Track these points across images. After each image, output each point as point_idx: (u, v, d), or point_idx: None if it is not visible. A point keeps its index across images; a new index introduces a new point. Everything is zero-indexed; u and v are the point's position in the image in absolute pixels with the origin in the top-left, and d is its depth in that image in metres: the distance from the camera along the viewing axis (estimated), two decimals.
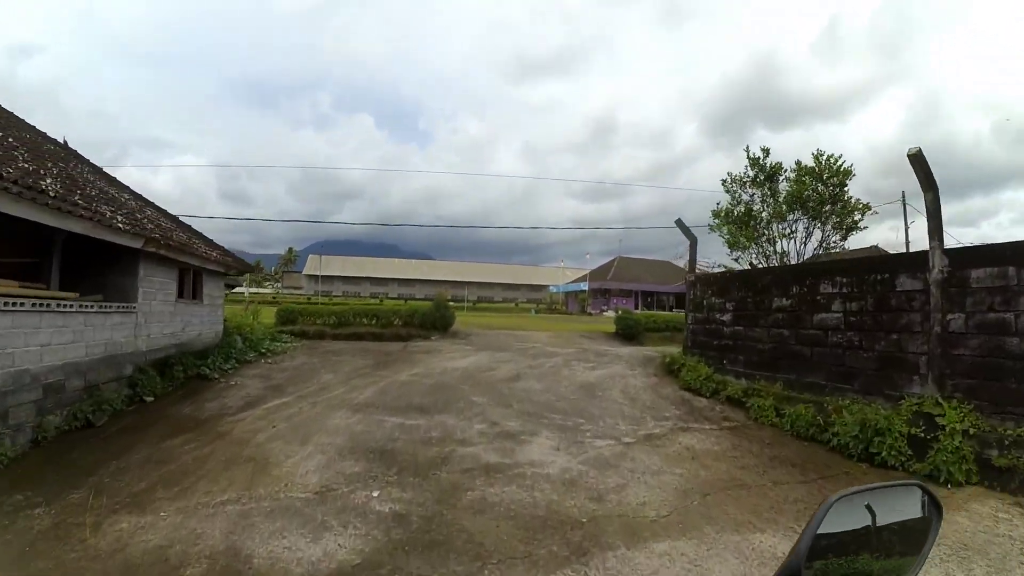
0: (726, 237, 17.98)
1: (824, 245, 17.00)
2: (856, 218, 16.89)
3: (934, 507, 1.52)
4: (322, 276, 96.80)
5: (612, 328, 25.06)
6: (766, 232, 17.25)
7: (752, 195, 17.75)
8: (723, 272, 16.20)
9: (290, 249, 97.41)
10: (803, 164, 16.99)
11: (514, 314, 60.12)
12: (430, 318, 20.57)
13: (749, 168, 17.77)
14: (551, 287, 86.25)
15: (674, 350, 15.48)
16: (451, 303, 76.22)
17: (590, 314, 65.97)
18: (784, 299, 10.81)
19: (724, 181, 18.05)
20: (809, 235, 17.04)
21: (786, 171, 17.35)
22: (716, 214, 18.38)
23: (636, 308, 70.53)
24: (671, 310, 72.84)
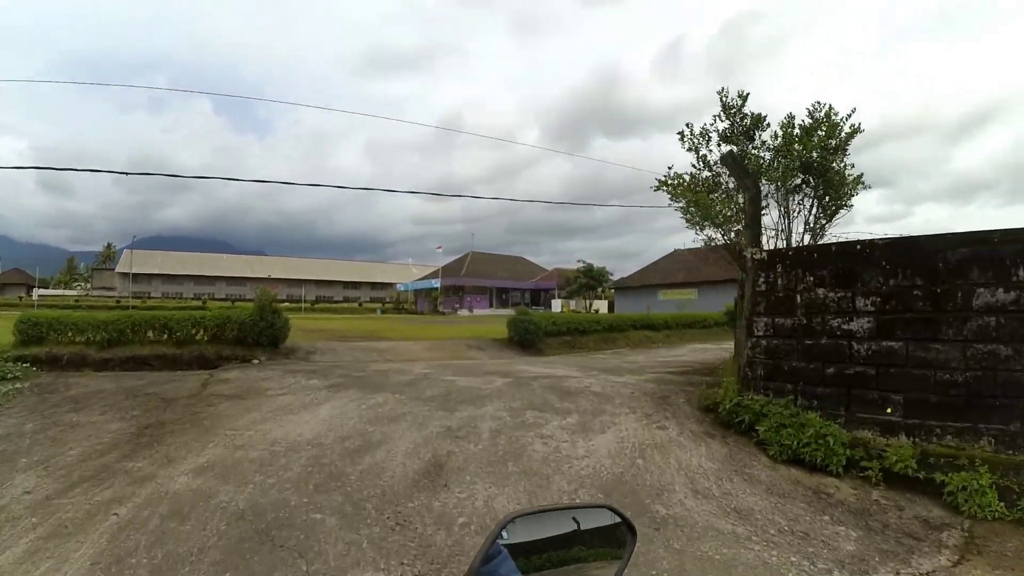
0: (690, 211, 12.84)
1: (814, 226, 12.52)
2: (849, 194, 12.67)
3: (627, 527, 1.53)
4: (139, 275, 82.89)
5: (499, 332, 19.61)
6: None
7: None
8: (847, 244, 9.23)
9: (109, 245, 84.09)
10: (795, 119, 12.47)
11: (359, 316, 53.07)
12: (251, 329, 13.17)
13: (722, 116, 12.93)
14: (399, 285, 78.49)
15: (626, 360, 10.20)
16: (285, 304, 66.82)
17: (443, 313, 60.03)
18: (1005, 289, 5.54)
19: (683, 134, 13.08)
20: (812, 210, 12.28)
21: (768, 124, 12.84)
22: (669, 181, 12.98)
23: (490, 306, 65.69)
24: (530, 307, 69.39)
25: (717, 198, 12.56)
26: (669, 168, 13.93)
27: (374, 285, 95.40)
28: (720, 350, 18.69)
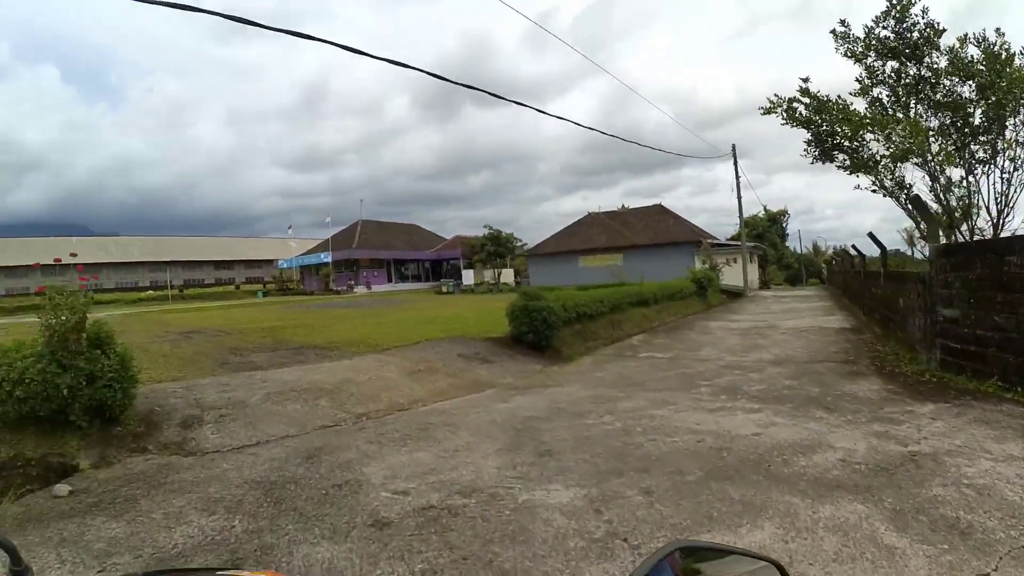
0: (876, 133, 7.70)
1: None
2: None
3: None
4: None
5: (464, 321, 13.90)
6: None
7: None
8: None
9: None
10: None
11: (239, 302, 43.59)
12: (45, 392, 5.39)
13: (882, 21, 8.20)
14: (280, 262, 68.62)
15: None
16: (149, 293, 55.77)
17: (337, 292, 52.13)
18: None
19: (837, 33, 8.24)
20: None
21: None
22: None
23: (389, 280, 58.27)
24: (429, 280, 62.53)
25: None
26: (804, 81, 9.03)
27: (249, 263, 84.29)
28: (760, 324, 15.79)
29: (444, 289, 47.61)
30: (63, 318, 5.71)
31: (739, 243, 39.71)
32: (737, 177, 36.10)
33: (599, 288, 19.76)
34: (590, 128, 70.88)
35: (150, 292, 58.18)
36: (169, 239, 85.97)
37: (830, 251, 72.50)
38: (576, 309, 14.71)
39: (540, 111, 50.14)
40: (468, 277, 51.24)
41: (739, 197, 36.60)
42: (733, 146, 36.54)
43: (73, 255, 9.01)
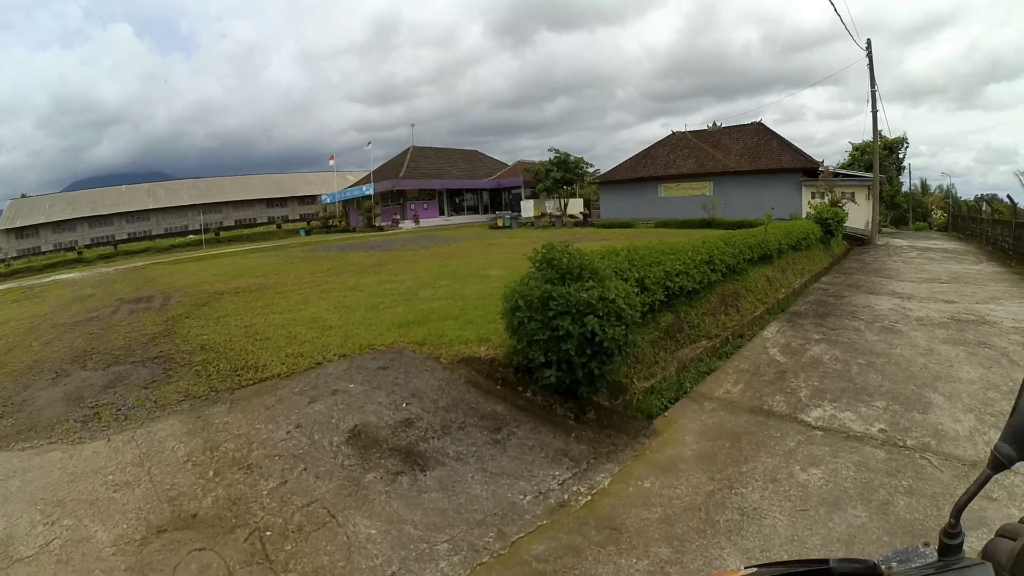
0: None
1: None
2: None
3: None
4: (26, 227, 68.50)
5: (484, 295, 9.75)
6: None
7: None
8: None
9: None
10: None
11: (272, 243, 39.92)
12: None
13: None
14: (323, 196, 63.45)
15: None
16: (190, 237, 53.30)
17: (380, 228, 46.68)
18: None
19: None
20: None
21: None
22: None
23: (441, 214, 52.07)
24: (488, 212, 56.14)
25: None
26: None
27: (303, 199, 79.71)
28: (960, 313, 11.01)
29: (500, 223, 41.31)
30: None
31: (862, 174, 31.54)
32: (873, 83, 27.64)
33: (687, 228, 13.10)
34: None
35: (190, 237, 54.49)
36: (220, 180, 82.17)
37: (936, 191, 69.33)
38: (665, 283, 8.05)
39: None
40: (527, 209, 44.41)
41: (874, 111, 28.31)
42: (868, 41, 27.86)
43: None
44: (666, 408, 6.60)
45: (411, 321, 8.92)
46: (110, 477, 5.02)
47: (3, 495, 4.82)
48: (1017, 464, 1.07)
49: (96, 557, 3.93)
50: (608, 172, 43.33)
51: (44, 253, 61.96)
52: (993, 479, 1.09)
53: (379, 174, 52.04)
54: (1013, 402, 1.10)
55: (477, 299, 10.25)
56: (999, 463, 1.08)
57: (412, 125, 61.78)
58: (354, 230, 49.64)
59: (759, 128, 37.94)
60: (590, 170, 44.46)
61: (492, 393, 6.23)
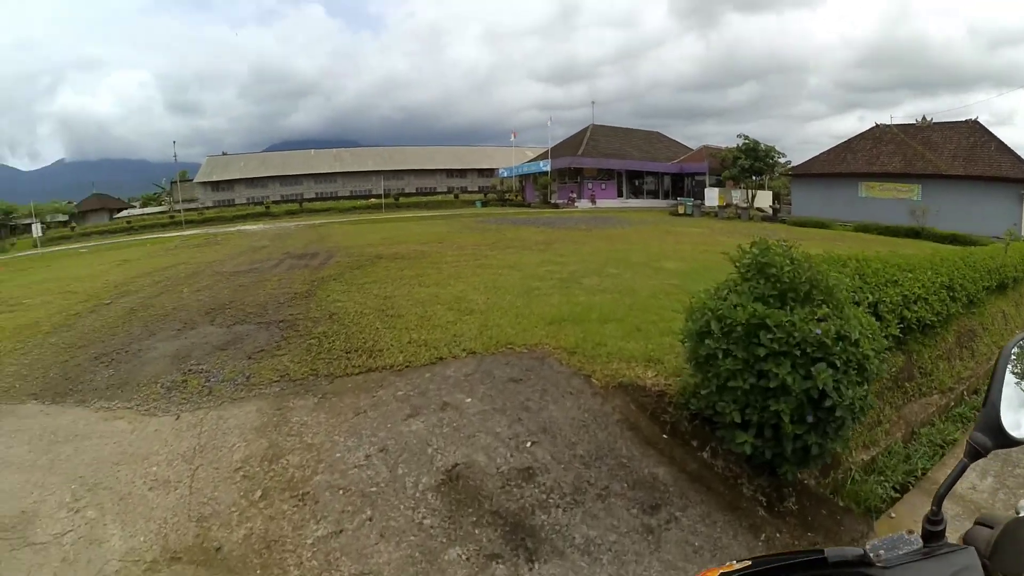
0: None
1: None
2: None
3: None
4: (221, 182, 75.11)
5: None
6: None
7: None
8: None
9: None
10: None
11: (447, 212, 40.11)
12: None
13: None
14: (501, 170, 61.82)
15: None
16: (371, 200, 55.71)
17: (555, 205, 45.53)
18: None
19: None
20: None
21: None
22: None
23: (619, 195, 49.90)
24: (668, 197, 53.02)
25: None
26: None
27: (482, 172, 79.17)
28: None
29: (681, 210, 38.45)
30: None
31: None
32: None
33: (892, 237, 10.94)
34: None
35: (372, 200, 56.49)
36: (404, 149, 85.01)
37: None
38: (902, 311, 5.83)
39: None
40: (711, 197, 41.22)
41: None
42: None
43: None
44: (892, 501, 4.58)
45: (565, 317, 7.25)
46: (154, 468, 4.19)
47: (52, 461, 4.42)
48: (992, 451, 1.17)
49: (98, 570, 3.23)
50: (802, 164, 38.50)
51: (236, 205, 67.10)
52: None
53: (557, 151, 50.39)
54: (984, 394, 1.17)
55: (648, 297, 8.44)
56: (975, 452, 1.20)
57: (592, 103, 59.29)
58: (529, 205, 48.52)
59: (974, 127, 31.88)
60: (781, 160, 40.17)
61: (654, 445, 4.30)
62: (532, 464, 3.96)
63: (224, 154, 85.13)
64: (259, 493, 3.68)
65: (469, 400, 4.83)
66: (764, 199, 39.78)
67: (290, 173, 76.36)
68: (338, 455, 4.01)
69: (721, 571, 1.14)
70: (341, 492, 3.63)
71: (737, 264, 4.27)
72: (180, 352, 6.84)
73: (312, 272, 12.41)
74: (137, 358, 6.84)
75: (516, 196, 54.98)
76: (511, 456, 4.03)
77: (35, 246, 41.03)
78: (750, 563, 1.12)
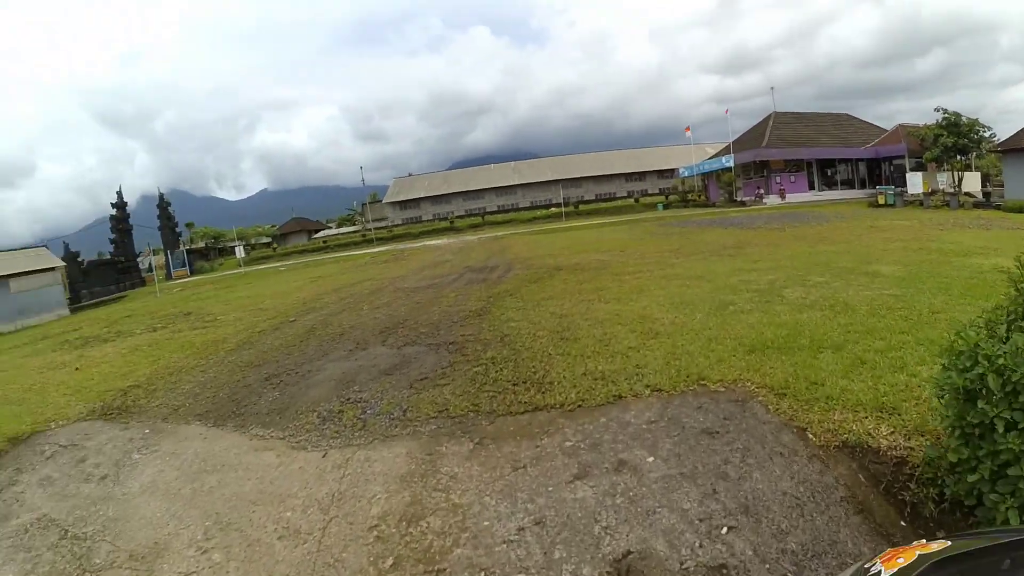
0: None
1: None
2: None
3: None
4: (408, 201, 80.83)
5: None
6: None
7: None
8: None
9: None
10: None
11: (631, 217, 39.03)
12: None
13: None
14: (680, 170, 58.24)
15: None
16: (548, 209, 56.31)
17: (742, 203, 42.71)
18: None
19: None
20: None
21: None
22: None
23: (810, 188, 45.80)
24: (864, 186, 47.60)
25: None
26: None
27: (661, 173, 76.15)
28: None
29: (881, 200, 34.02)
30: None
31: None
32: None
33: None
34: None
35: (552, 209, 56.68)
36: (580, 156, 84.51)
37: None
38: None
39: None
40: (914, 183, 36.39)
41: None
42: None
43: None
44: None
45: (768, 342, 5.87)
46: (288, 514, 3.81)
47: (195, 492, 4.36)
48: None
49: None
50: (1013, 137, 31.76)
51: (423, 222, 71.30)
52: None
53: (739, 145, 47.11)
54: None
55: (868, 315, 6.63)
56: None
57: (771, 88, 54.75)
58: (713, 205, 46.00)
59: None
60: (986, 134, 34.16)
61: (889, 538, 2.89)
62: (727, 560, 2.84)
63: (410, 175, 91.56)
64: (390, 561, 3.05)
65: (651, 459, 3.79)
66: (973, 181, 34.28)
67: (472, 188, 79.47)
68: (486, 523, 3.27)
69: (919, 551, 1.09)
70: (482, 574, 2.92)
71: (1021, 286, 2.87)
72: (346, 376, 6.65)
73: (489, 287, 12.17)
74: (304, 380, 6.79)
75: (699, 196, 52.52)
76: (700, 546, 2.95)
77: (239, 266, 46.69)
78: (948, 543, 1.10)
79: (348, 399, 5.73)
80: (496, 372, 5.94)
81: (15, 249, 35.99)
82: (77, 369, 10.35)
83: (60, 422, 6.89)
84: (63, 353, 12.82)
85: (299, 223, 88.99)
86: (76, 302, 37.12)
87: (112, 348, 12.11)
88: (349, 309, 11.84)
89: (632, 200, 58.28)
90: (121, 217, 50.47)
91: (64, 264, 37.00)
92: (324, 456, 4.48)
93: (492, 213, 67.46)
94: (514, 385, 5.47)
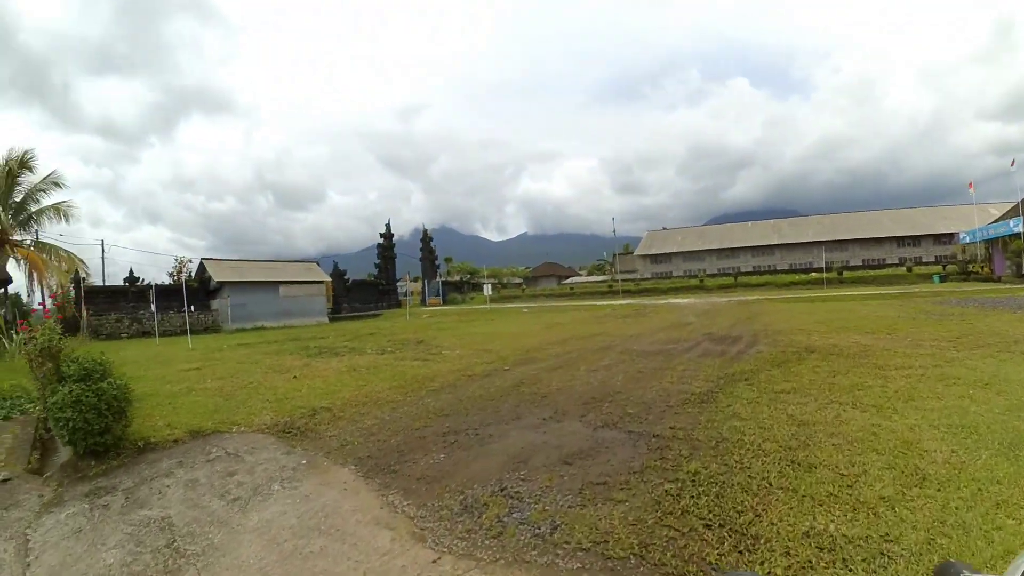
0: None
1: None
2: None
3: None
4: (659, 255, 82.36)
5: None
6: None
7: None
8: None
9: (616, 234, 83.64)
10: None
11: (899, 292, 34.34)
12: None
13: None
14: (960, 235, 50.44)
15: None
16: (808, 274, 52.19)
17: None
18: None
19: None
20: None
21: None
22: None
23: None
24: None
25: None
26: None
27: (938, 238, 66.28)
28: None
29: None
30: None
31: None
32: None
33: None
34: None
35: (812, 275, 52.23)
36: (847, 216, 76.77)
37: None
38: None
39: None
40: None
41: None
42: None
43: None
44: None
45: None
46: None
47: (287, 554, 3.98)
48: None
49: None
50: None
51: (672, 277, 69.51)
52: None
53: None
54: None
55: None
56: None
57: None
58: (999, 279, 38.65)
59: None
60: None
61: None
62: None
63: (664, 228, 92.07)
64: None
65: None
66: None
67: (727, 246, 77.22)
68: None
69: None
70: None
71: None
72: (522, 453, 5.73)
73: (725, 364, 10.44)
74: (478, 447, 6.08)
75: (983, 268, 44.73)
76: None
77: (486, 301, 50.35)
78: None
79: (504, 488, 4.77)
80: (690, 498, 4.28)
81: (293, 260, 41.86)
82: (295, 378, 11.21)
83: (242, 428, 7.28)
84: (296, 358, 14.13)
85: (550, 267, 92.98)
86: (336, 312, 42.44)
87: (336, 363, 13.08)
88: (566, 366, 11.21)
89: (904, 269, 51.35)
90: (387, 246, 59.19)
91: (330, 279, 42.35)
92: (434, 562, 3.61)
93: (746, 274, 64.63)
94: (707, 527, 3.82)
